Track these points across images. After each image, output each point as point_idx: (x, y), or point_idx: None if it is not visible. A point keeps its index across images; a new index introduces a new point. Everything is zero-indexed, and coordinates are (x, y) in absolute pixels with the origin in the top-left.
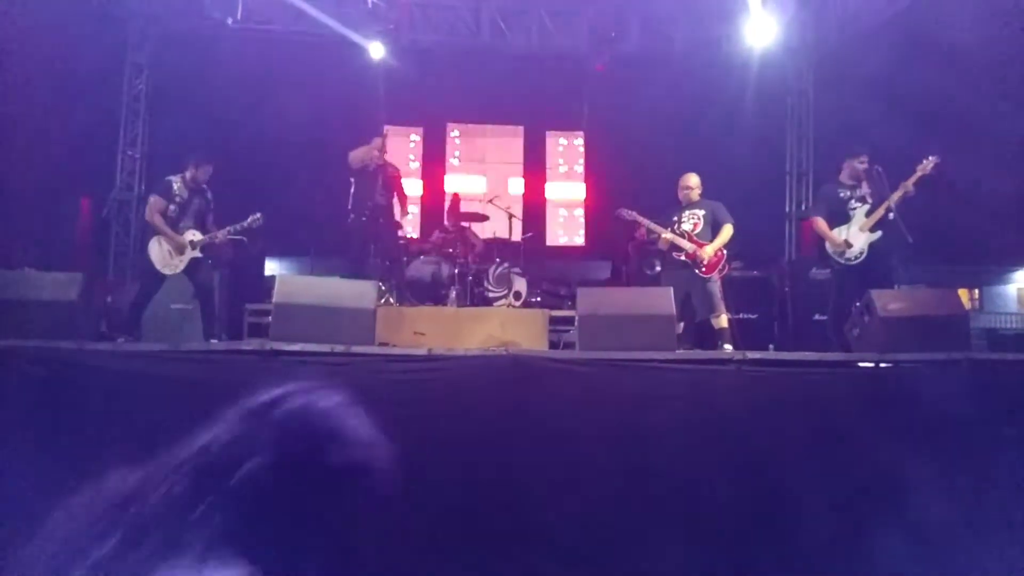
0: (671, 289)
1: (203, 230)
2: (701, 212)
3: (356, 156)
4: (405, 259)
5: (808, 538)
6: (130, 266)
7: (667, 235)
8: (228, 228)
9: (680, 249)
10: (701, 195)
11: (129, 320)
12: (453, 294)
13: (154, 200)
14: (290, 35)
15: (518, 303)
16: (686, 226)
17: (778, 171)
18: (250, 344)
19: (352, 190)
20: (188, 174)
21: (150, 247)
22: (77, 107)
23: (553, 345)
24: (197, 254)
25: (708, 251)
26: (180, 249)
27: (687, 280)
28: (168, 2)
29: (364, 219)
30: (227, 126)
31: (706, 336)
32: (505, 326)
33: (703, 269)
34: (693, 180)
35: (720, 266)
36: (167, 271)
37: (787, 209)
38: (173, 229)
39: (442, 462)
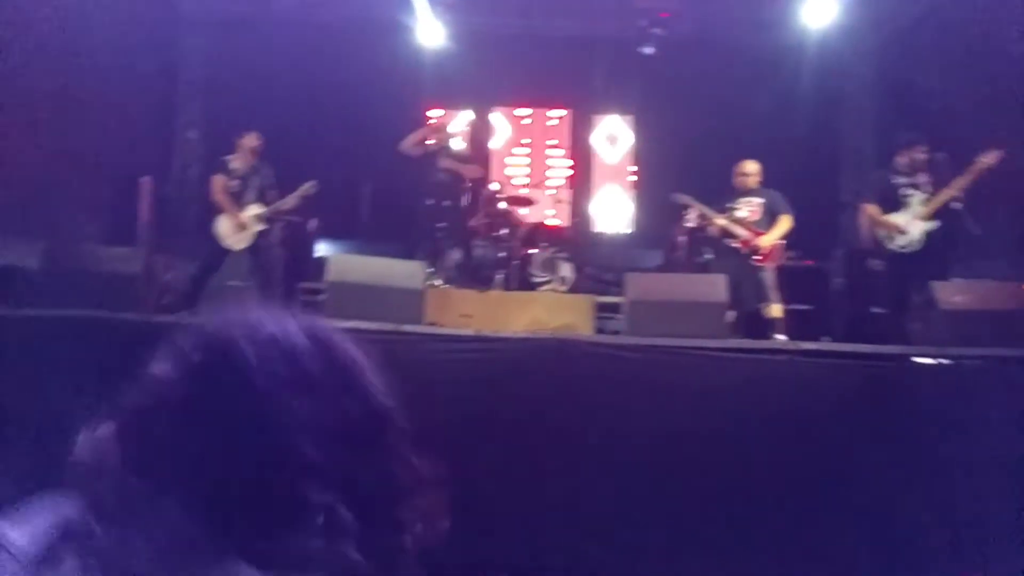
0: (723, 276)
1: (264, 203)
2: (759, 200)
3: (406, 144)
4: (472, 242)
5: (865, 535)
6: (188, 244)
7: (721, 221)
8: (287, 197)
9: (733, 236)
10: (760, 183)
11: (190, 295)
12: (499, 278)
13: (216, 179)
14: (340, 17)
15: (564, 288)
16: (741, 213)
17: (834, 157)
18: None
19: (414, 174)
20: (240, 149)
21: (216, 223)
22: (138, 86)
23: (599, 332)
24: (262, 227)
25: (766, 240)
26: (243, 225)
27: (739, 268)
28: None
29: (430, 202)
30: (280, 108)
31: (757, 326)
32: (551, 311)
33: (759, 258)
34: (751, 167)
35: (775, 255)
36: (235, 246)
37: (843, 197)
38: (237, 205)
39: (488, 442)
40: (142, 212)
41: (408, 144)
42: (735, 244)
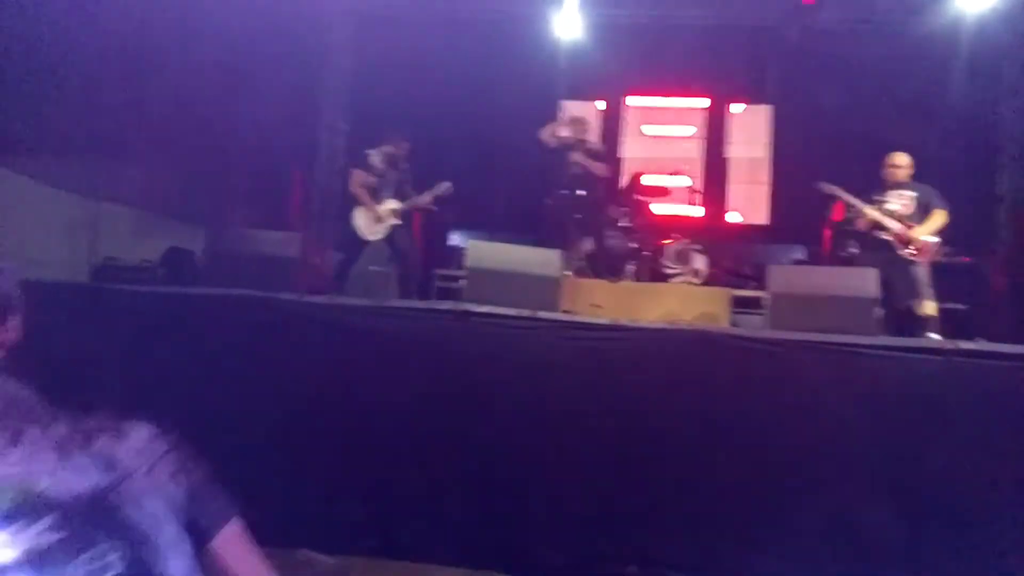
0: (875, 270)
1: (401, 200)
2: (911, 194)
3: (545, 132)
4: (604, 232)
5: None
6: (334, 232)
7: (872, 212)
8: (424, 195)
9: (885, 229)
10: (911, 176)
11: (336, 278)
12: (630, 268)
13: (356, 173)
14: (482, 9)
15: (697, 281)
16: (893, 206)
17: (992, 149)
18: (445, 304)
19: (547, 165)
20: (387, 149)
21: (355, 215)
22: (289, 78)
23: (734, 326)
24: (397, 221)
25: (921, 232)
26: (380, 218)
27: (889, 263)
28: None
29: (563, 193)
30: (421, 98)
31: (907, 324)
32: (684, 303)
33: (913, 251)
34: (903, 159)
35: (929, 251)
36: (370, 237)
37: (999, 191)
38: (374, 199)
39: (623, 431)
40: (294, 200)
41: (546, 133)
42: (886, 237)
